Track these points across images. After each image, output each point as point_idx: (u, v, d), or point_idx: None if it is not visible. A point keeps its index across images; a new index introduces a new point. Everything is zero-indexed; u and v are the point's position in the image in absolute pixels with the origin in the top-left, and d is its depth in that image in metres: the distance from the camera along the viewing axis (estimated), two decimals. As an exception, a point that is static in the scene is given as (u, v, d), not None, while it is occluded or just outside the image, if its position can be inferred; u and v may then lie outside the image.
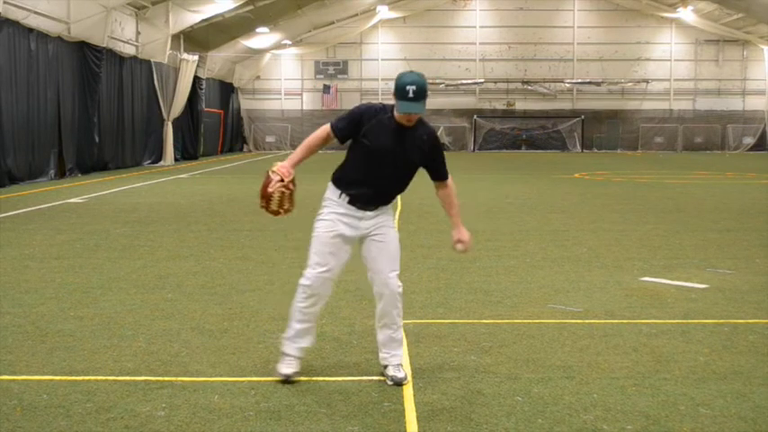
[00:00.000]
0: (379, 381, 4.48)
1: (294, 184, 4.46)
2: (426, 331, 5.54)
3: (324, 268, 4.51)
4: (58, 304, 6.39)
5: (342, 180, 4.54)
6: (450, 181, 4.63)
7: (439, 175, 4.58)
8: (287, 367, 4.49)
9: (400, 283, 4.55)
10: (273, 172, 4.41)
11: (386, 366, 4.50)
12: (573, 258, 8.65)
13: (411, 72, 4.40)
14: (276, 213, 4.51)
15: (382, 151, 4.39)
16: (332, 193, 4.59)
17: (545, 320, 5.89)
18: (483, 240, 9.99)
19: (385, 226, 4.54)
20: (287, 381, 4.43)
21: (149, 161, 29.31)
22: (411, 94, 4.23)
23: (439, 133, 42.78)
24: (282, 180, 4.41)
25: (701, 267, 8.06)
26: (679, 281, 7.34)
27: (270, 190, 4.41)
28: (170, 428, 3.79)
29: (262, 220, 12.15)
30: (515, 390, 4.33)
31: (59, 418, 3.91)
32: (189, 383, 4.43)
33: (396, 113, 4.39)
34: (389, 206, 4.62)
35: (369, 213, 4.51)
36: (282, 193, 4.41)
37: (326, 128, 4.50)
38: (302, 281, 4.57)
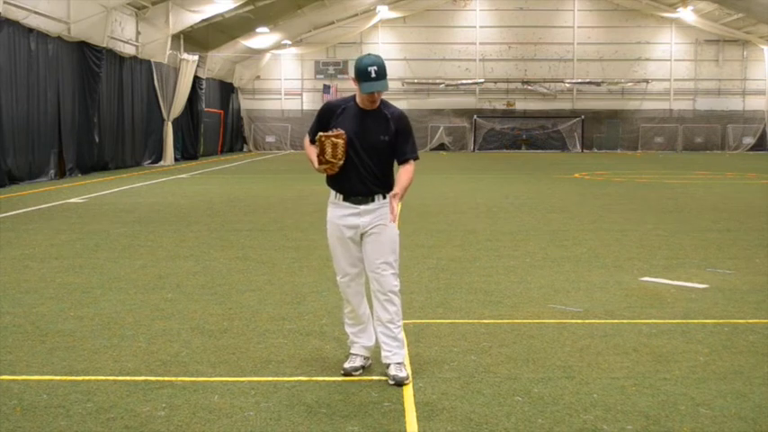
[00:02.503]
0: (380, 381, 4.48)
1: (339, 140, 4.46)
2: (426, 331, 5.54)
3: (340, 275, 4.68)
4: (58, 304, 6.39)
5: (331, 179, 4.62)
6: (411, 165, 4.64)
7: (401, 156, 4.62)
8: (348, 362, 4.65)
9: (397, 283, 4.55)
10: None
11: (388, 366, 4.50)
12: (573, 258, 8.64)
13: (368, 55, 4.55)
14: (331, 165, 4.48)
15: (353, 137, 4.49)
16: (331, 196, 4.68)
17: (545, 320, 5.89)
18: (483, 240, 10.00)
19: (383, 223, 4.55)
20: (346, 375, 4.56)
21: (149, 161, 29.31)
22: (373, 75, 4.39)
23: (439, 134, 42.43)
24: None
25: (701, 267, 8.05)
26: (679, 281, 7.34)
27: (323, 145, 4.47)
28: (170, 428, 3.79)
29: (262, 220, 12.16)
30: (515, 390, 4.33)
31: (59, 418, 3.91)
32: (189, 383, 4.43)
33: (358, 99, 4.55)
34: (388, 199, 4.61)
35: (368, 207, 4.55)
36: (334, 143, 4.44)
37: (306, 141, 4.72)
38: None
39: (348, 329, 4.74)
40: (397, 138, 4.58)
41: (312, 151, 4.58)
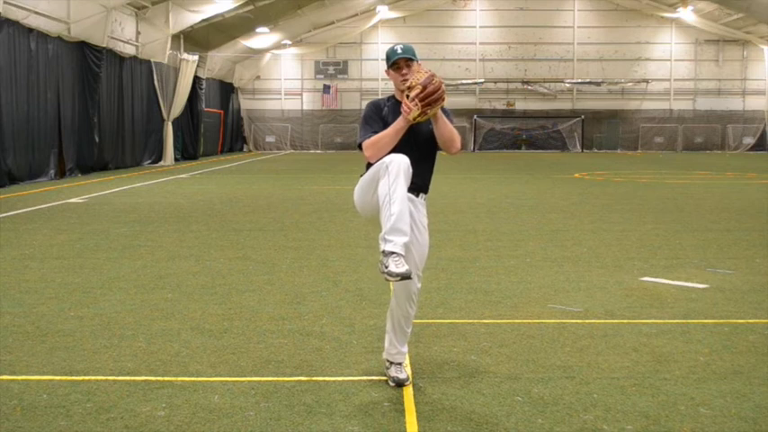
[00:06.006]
0: (380, 381, 4.48)
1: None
2: (426, 331, 5.54)
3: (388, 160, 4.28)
4: (58, 304, 6.39)
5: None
6: (457, 133, 4.49)
7: None
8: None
9: (420, 285, 4.54)
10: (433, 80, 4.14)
11: (389, 366, 4.49)
12: (573, 258, 8.64)
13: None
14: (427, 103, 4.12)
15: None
16: None
17: (545, 320, 5.89)
18: (483, 240, 10.00)
19: (422, 224, 4.49)
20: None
21: (149, 161, 29.32)
22: (400, 50, 4.39)
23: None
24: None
25: (701, 267, 8.05)
26: (679, 281, 7.34)
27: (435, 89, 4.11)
28: (170, 428, 3.79)
29: (262, 220, 12.16)
30: (515, 390, 4.33)
31: (59, 418, 3.91)
32: (189, 383, 4.43)
33: (397, 94, 4.44)
34: (425, 200, 4.53)
35: (415, 200, 4.43)
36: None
37: (367, 142, 4.31)
38: None
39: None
40: None
41: (385, 131, 4.27)
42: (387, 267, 3.93)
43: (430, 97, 4.13)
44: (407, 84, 4.20)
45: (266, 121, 46.33)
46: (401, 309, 4.47)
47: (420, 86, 4.13)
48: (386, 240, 4.00)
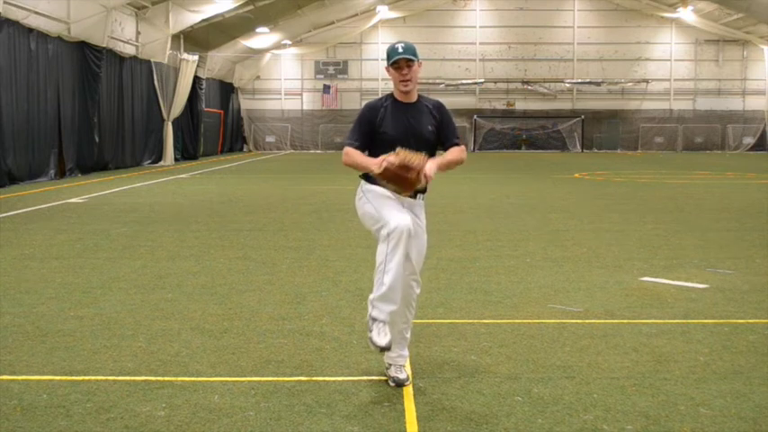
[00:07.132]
0: (380, 381, 4.48)
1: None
2: (426, 331, 5.54)
3: (394, 223, 4.34)
4: (58, 304, 6.39)
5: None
6: (460, 148, 4.56)
7: (447, 142, 4.57)
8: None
9: (419, 290, 4.55)
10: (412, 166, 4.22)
11: (389, 367, 4.49)
12: (573, 258, 8.64)
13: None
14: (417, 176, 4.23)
15: (400, 132, 4.41)
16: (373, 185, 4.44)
17: (545, 320, 5.89)
18: (483, 240, 10.00)
19: (419, 224, 4.50)
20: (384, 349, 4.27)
21: (149, 161, 29.32)
22: (401, 49, 4.44)
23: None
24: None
25: (701, 267, 8.05)
26: (679, 281, 7.34)
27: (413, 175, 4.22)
28: (170, 428, 3.79)
29: (262, 220, 12.17)
30: (515, 390, 4.33)
31: (59, 418, 3.91)
32: (189, 383, 4.43)
33: (396, 93, 4.52)
34: (423, 201, 4.56)
35: (412, 202, 4.47)
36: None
37: (348, 149, 4.42)
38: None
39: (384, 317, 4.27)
40: (441, 126, 4.55)
41: (364, 158, 4.36)
42: (371, 332, 4.19)
43: (394, 179, 4.22)
44: (397, 152, 4.22)
45: (266, 121, 46.33)
46: (400, 315, 4.48)
47: (399, 163, 4.18)
48: (374, 306, 4.21)
